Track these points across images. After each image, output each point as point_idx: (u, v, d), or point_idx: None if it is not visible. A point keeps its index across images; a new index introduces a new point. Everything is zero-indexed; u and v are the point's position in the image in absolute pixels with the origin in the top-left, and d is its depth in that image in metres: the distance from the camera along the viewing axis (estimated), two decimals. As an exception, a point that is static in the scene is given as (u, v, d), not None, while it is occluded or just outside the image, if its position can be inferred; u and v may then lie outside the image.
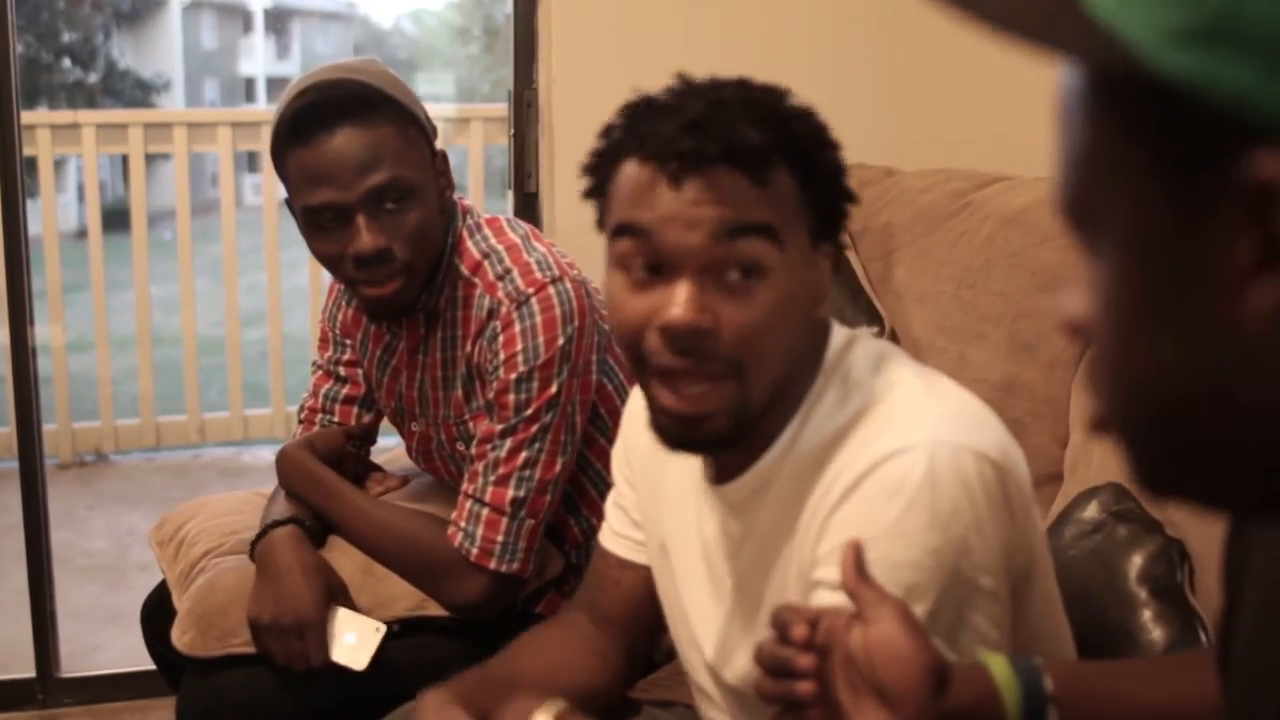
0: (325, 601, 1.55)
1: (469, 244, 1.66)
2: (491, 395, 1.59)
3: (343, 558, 1.65)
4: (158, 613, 1.75)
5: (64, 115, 7.33)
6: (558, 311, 1.58)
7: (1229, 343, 0.45)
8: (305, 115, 1.52)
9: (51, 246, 4.23)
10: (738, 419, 1.01)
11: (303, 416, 1.86)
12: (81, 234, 4.92)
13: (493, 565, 1.59)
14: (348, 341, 1.84)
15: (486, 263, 1.63)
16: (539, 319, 1.57)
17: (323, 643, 1.52)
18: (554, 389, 1.58)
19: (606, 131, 1.05)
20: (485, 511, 1.59)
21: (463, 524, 1.60)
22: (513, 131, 2.50)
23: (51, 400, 4.20)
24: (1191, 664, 0.97)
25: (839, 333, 1.10)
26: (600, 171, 1.05)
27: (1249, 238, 0.43)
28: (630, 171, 1.01)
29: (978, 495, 0.97)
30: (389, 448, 2.02)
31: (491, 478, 1.59)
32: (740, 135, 0.98)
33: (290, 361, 4.58)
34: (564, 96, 2.46)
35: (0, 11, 2.28)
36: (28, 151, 3.58)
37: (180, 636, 1.60)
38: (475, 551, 1.59)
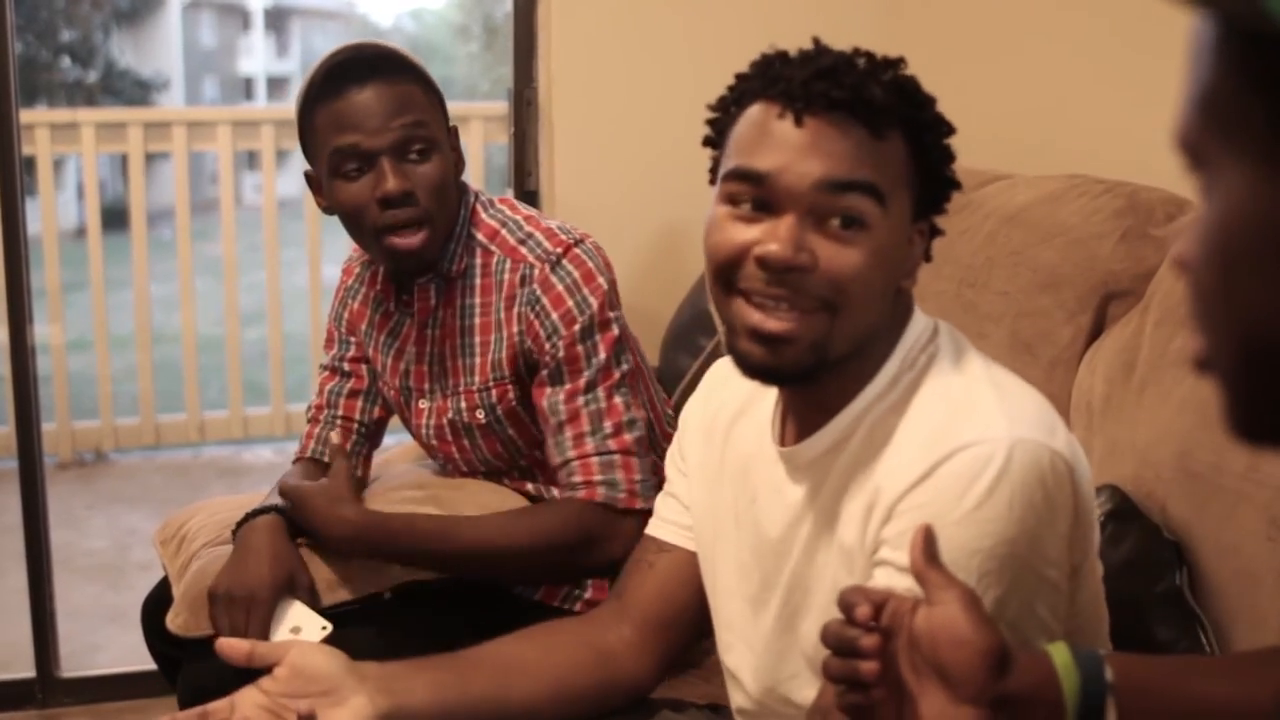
0: (282, 587, 1.56)
1: (484, 216, 1.72)
2: (560, 354, 1.64)
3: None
4: (158, 611, 1.75)
5: (63, 114, 7.33)
6: (590, 266, 1.66)
7: None
8: (337, 72, 1.60)
9: (51, 245, 4.23)
10: (819, 353, 1.05)
11: (310, 416, 1.88)
12: (81, 233, 4.91)
13: (639, 504, 1.63)
14: (352, 338, 1.87)
15: (504, 231, 1.70)
16: (576, 274, 1.65)
17: (265, 624, 1.53)
18: (615, 331, 1.66)
19: (737, 79, 1.09)
20: (617, 458, 1.64)
21: (597, 478, 1.63)
22: (513, 130, 2.50)
23: (51, 399, 4.20)
24: (1257, 662, 0.96)
25: (921, 314, 1.13)
26: (725, 115, 1.09)
27: None
28: (755, 113, 1.06)
29: (1051, 491, 1.01)
30: (388, 447, 2.02)
31: (606, 427, 1.64)
32: (868, 89, 1.03)
33: (290, 360, 4.58)
34: (564, 94, 2.46)
35: (-1, 10, 2.28)
36: (27, 150, 3.57)
37: (173, 619, 1.62)
38: (623, 496, 1.64)
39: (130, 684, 2.57)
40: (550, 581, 1.73)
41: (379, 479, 1.89)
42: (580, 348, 1.64)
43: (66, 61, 15.93)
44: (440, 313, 1.72)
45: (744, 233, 1.04)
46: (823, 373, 1.06)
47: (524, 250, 1.67)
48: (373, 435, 1.89)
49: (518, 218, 1.72)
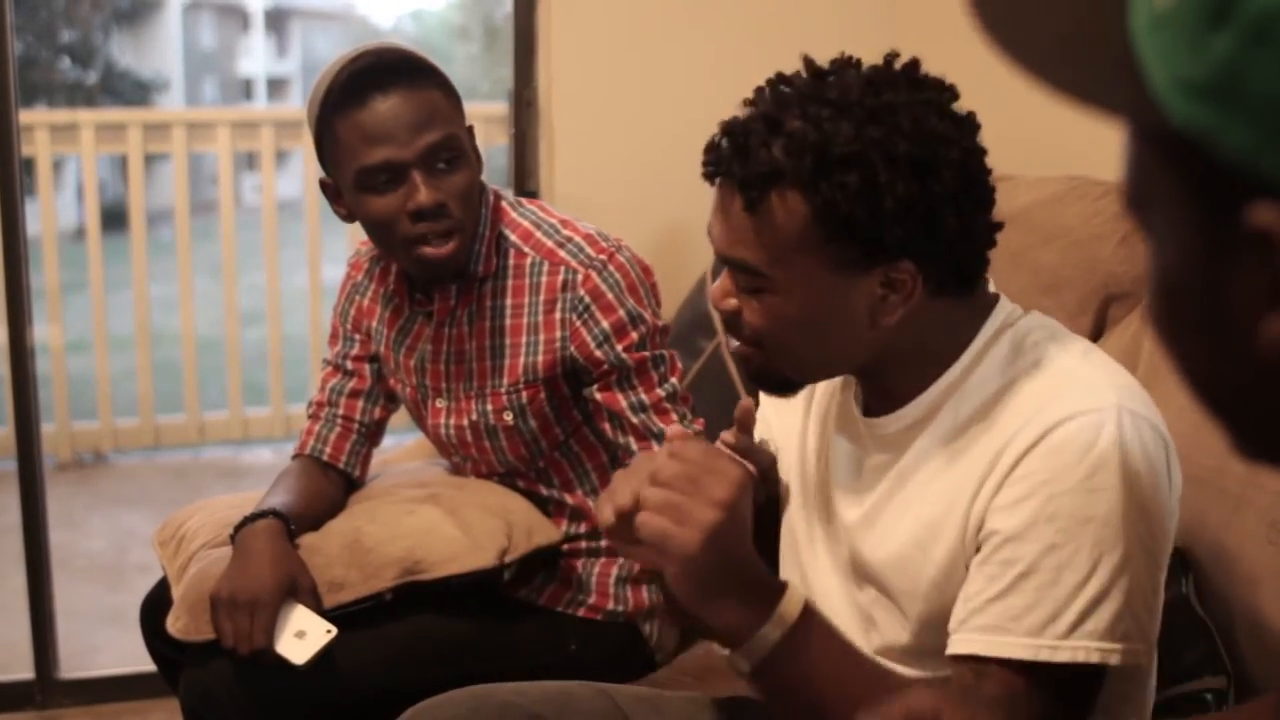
0: (285, 590, 1.55)
1: (514, 215, 1.72)
2: (624, 361, 1.66)
3: (330, 537, 1.67)
4: (157, 611, 1.75)
5: (63, 115, 7.33)
6: (633, 274, 1.69)
7: (1251, 362, 0.47)
8: (358, 79, 1.58)
9: (50, 246, 4.23)
10: (772, 378, 1.15)
11: (311, 412, 1.87)
12: (80, 234, 4.91)
13: None
14: (357, 336, 1.86)
15: (539, 233, 1.70)
16: (624, 282, 1.67)
17: (270, 628, 1.52)
18: (661, 322, 1.72)
19: None
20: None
21: None
22: (513, 130, 2.50)
23: (50, 400, 4.20)
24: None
25: (1007, 302, 1.13)
26: None
27: (1257, 277, 0.45)
28: None
29: (1154, 464, 1.01)
30: (388, 449, 2.01)
31: (687, 411, 1.73)
32: (745, 159, 1.04)
33: (290, 361, 4.58)
34: (564, 95, 2.45)
35: (-2, 11, 2.28)
36: (26, 151, 3.56)
37: (174, 623, 1.61)
38: None
39: (129, 685, 2.57)
40: None
41: (380, 477, 1.89)
42: (645, 354, 1.68)
43: (66, 62, 15.92)
44: (459, 312, 1.71)
45: None
46: (795, 383, 1.16)
47: (563, 254, 1.67)
48: (373, 435, 1.88)
49: (553, 221, 1.72)
